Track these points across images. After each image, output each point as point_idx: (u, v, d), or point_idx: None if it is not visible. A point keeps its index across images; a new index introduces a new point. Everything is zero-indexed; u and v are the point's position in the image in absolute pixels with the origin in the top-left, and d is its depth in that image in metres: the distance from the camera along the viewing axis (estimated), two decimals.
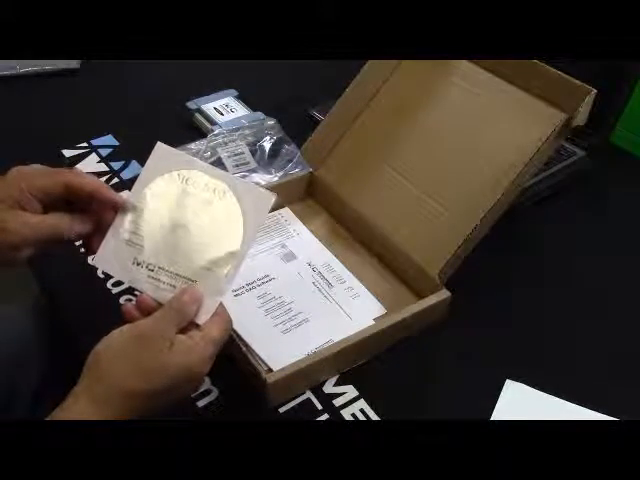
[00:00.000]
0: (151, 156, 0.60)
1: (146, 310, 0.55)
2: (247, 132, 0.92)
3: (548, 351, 0.69)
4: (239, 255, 0.56)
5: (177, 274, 0.56)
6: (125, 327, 0.53)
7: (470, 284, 0.71)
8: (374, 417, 0.62)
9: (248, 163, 0.89)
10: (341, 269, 0.76)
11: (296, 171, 0.87)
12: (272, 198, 0.57)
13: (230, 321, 0.56)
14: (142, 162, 0.93)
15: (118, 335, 0.52)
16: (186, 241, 0.57)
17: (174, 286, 0.56)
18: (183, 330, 0.54)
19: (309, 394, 0.64)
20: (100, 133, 0.99)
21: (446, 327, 0.70)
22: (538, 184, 0.87)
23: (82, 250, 0.78)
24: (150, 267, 0.57)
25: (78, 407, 0.49)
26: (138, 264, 0.57)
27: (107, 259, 0.58)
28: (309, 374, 0.64)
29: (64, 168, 0.59)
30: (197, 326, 0.54)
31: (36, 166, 0.58)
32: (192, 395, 0.62)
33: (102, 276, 0.75)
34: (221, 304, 0.56)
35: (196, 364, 0.52)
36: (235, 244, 0.56)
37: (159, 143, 0.60)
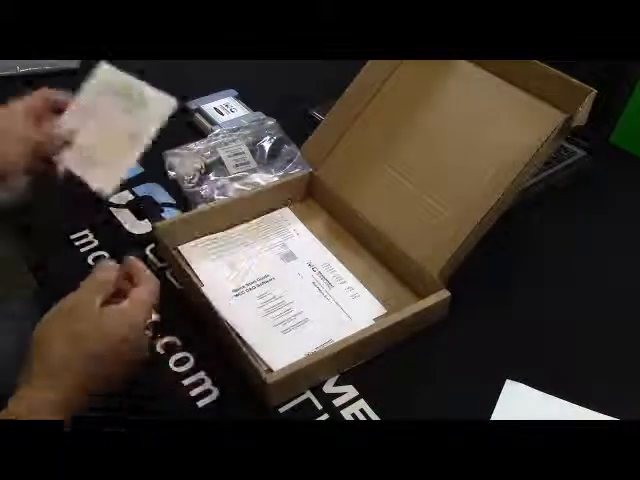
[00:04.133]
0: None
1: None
2: (247, 132, 0.92)
3: (548, 351, 0.69)
4: (139, 138, 0.69)
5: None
6: (54, 307, 0.55)
7: (470, 284, 0.71)
8: (374, 417, 0.62)
9: (248, 163, 0.89)
10: (341, 269, 0.76)
11: (296, 171, 0.87)
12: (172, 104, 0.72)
13: (157, 284, 0.58)
14: (141, 162, 0.93)
15: (49, 315, 0.54)
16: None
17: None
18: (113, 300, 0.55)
19: (309, 394, 0.64)
20: None
21: (446, 327, 0.70)
22: (538, 184, 0.87)
23: (82, 250, 0.78)
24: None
25: (31, 390, 0.50)
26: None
27: None
28: (309, 374, 0.64)
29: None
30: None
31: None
32: (143, 362, 0.58)
33: None
34: (146, 270, 0.58)
35: (128, 326, 0.54)
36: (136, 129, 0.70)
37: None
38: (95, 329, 0.53)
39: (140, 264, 0.58)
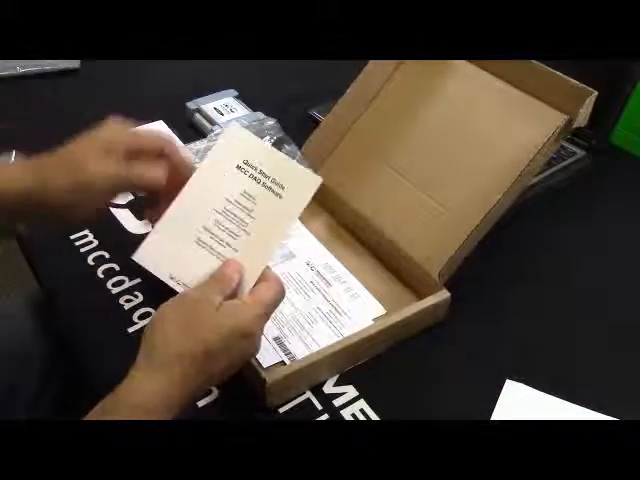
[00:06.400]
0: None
1: None
2: None
3: (548, 351, 0.69)
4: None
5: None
6: (174, 298, 0.55)
7: (470, 284, 0.71)
8: (374, 417, 0.62)
9: None
10: (340, 269, 0.76)
11: None
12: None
13: (281, 285, 0.57)
14: None
15: (167, 306, 0.55)
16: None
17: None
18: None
19: (309, 394, 0.64)
20: None
21: (446, 327, 0.70)
22: (538, 184, 0.87)
23: (82, 250, 0.78)
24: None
25: (137, 377, 0.51)
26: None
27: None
28: (309, 374, 0.64)
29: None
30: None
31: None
32: (252, 358, 0.61)
33: (102, 276, 0.75)
34: (272, 271, 0.58)
35: (245, 322, 0.53)
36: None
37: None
38: (213, 326, 0.53)
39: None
